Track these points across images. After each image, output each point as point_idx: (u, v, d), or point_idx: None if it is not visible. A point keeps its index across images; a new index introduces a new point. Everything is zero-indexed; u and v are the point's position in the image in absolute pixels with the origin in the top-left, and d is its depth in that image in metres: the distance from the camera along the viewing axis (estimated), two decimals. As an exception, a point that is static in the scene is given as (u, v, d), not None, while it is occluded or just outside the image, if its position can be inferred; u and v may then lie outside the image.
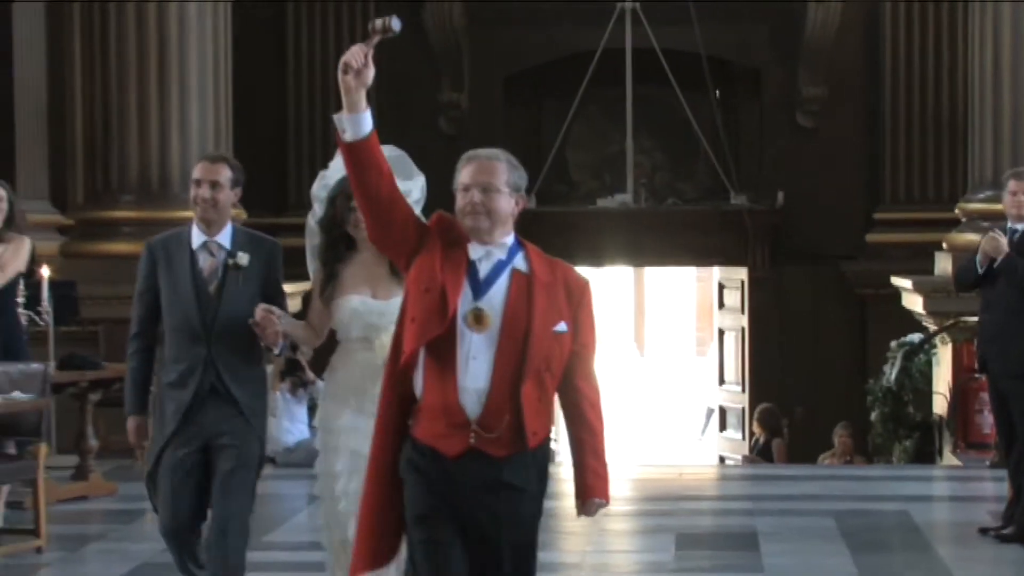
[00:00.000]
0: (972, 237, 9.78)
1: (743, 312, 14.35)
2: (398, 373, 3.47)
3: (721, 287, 14.99)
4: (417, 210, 4.29)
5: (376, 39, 3.38)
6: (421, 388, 3.46)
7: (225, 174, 4.78)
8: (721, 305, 15.02)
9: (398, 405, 3.49)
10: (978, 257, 7.01)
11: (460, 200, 3.46)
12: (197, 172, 4.83)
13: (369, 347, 4.45)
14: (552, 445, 3.76)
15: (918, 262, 11.84)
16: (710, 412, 18.43)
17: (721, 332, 15.02)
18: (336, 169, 4.62)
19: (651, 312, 22.05)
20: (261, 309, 4.57)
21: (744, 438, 14.17)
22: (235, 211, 9.72)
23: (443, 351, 3.40)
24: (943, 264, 10.72)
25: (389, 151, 4.49)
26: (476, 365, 3.39)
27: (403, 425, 3.49)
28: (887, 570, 6.76)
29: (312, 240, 4.88)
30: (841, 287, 14.13)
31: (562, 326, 3.45)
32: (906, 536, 7.60)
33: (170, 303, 4.76)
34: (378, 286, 4.57)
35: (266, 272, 4.85)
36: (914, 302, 11.18)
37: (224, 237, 4.80)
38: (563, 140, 14.01)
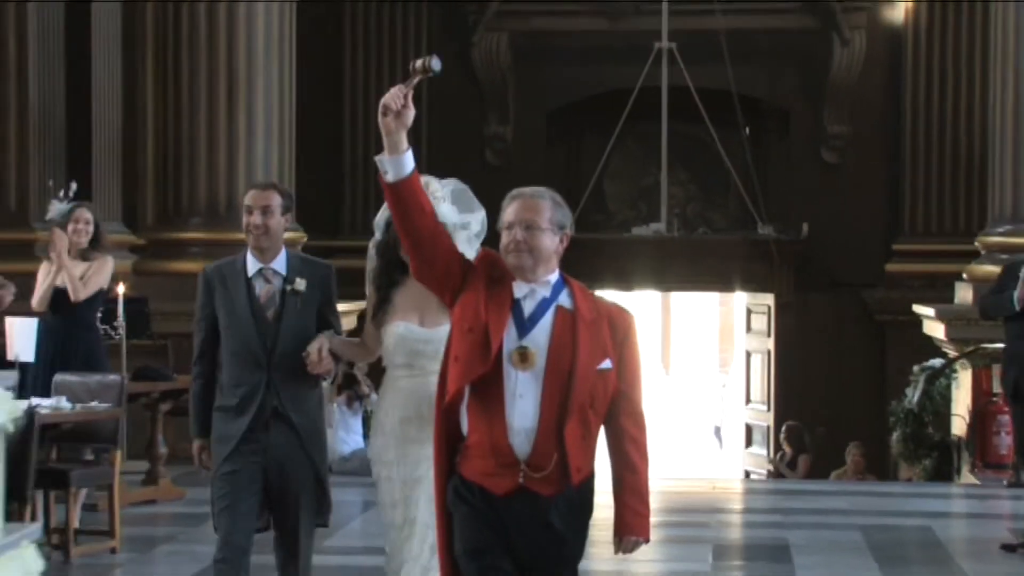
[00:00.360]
0: (991, 268, 9.96)
1: (769, 335, 14.39)
2: (444, 411, 3.35)
3: (749, 312, 15.02)
4: (477, 243, 4.32)
5: (416, 79, 3.28)
6: (467, 426, 3.34)
7: (275, 200, 4.60)
8: (748, 328, 15.06)
9: (447, 443, 3.37)
10: (1017, 292, 6.98)
11: (504, 238, 3.33)
12: (248, 199, 4.64)
13: (411, 374, 4.28)
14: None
15: (935, 291, 11.91)
16: (717, 430, 18.54)
17: (748, 354, 15.03)
18: None
19: (676, 334, 22.08)
20: (313, 349, 4.42)
21: (768, 454, 14.16)
22: (295, 234, 9.74)
23: (489, 390, 3.29)
24: (963, 293, 10.72)
25: (453, 184, 4.52)
26: (523, 404, 3.27)
27: (452, 463, 3.38)
28: (914, 582, 6.77)
29: (369, 264, 4.69)
30: (862, 313, 14.10)
31: (607, 363, 3.31)
32: (930, 551, 7.56)
33: (229, 329, 4.60)
34: (426, 314, 4.35)
35: (322, 296, 4.67)
36: (935, 329, 11.13)
37: (279, 263, 4.62)
38: (601, 172, 14.02)
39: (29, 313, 7.15)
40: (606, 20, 14.16)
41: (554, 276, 3.37)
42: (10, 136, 10.27)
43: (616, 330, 3.35)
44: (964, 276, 10.94)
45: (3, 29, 10.24)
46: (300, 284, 4.55)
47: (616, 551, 3.47)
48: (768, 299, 14.41)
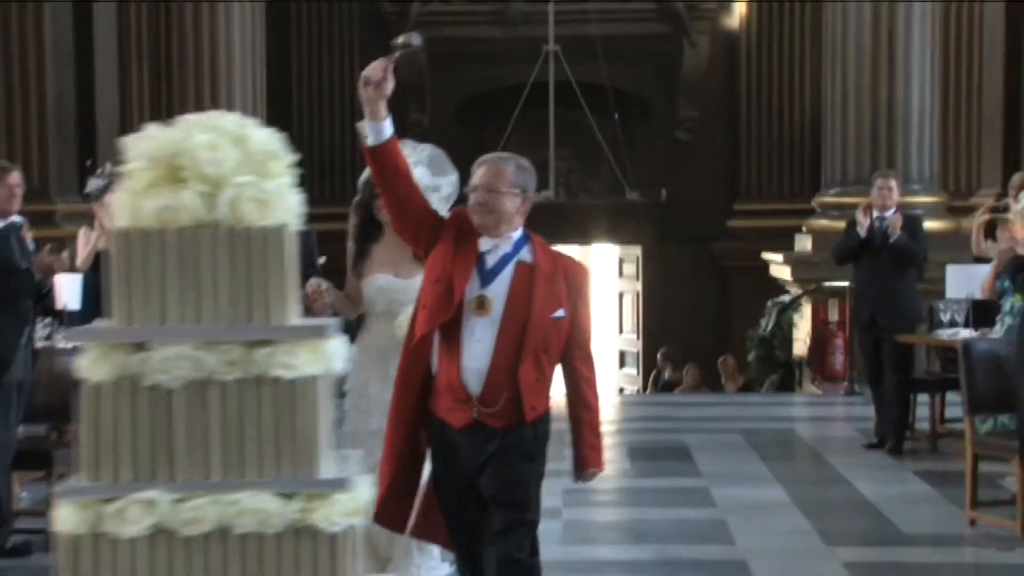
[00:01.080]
0: (826, 223, 10.45)
1: (637, 279, 14.79)
2: (410, 352, 3.25)
3: (621, 260, 15.34)
4: (448, 204, 4.12)
5: (398, 53, 3.13)
6: (436, 367, 3.24)
7: None
8: (620, 274, 15.37)
9: (411, 379, 3.25)
10: (859, 230, 7.06)
11: (471, 199, 3.25)
12: None
13: (390, 321, 4.00)
14: None
15: (769, 242, 12.10)
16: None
17: (621, 294, 15.31)
18: None
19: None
20: (312, 283, 4.07)
21: (638, 374, 14.57)
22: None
23: (452, 335, 3.18)
24: (803, 243, 11.09)
25: (429, 150, 4.36)
26: (478, 347, 3.16)
27: (417, 399, 3.25)
28: (794, 473, 6.80)
29: (351, 222, 4.43)
30: (711, 261, 14.53)
31: (560, 312, 3.20)
32: (800, 448, 7.92)
33: None
34: (401, 266, 4.12)
35: (305, 257, 3.98)
36: (782, 271, 11.39)
37: None
38: (502, 151, 14.23)
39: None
40: (502, 28, 14.42)
41: (517, 233, 3.26)
42: (32, 123, 10.39)
43: (571, 282, 3.25)
44: (804, 228, 11.21)
45: (24, 31, 10.31)
46: None
47: (575, 481, 3.39)
48: (636, 250, 14.79)
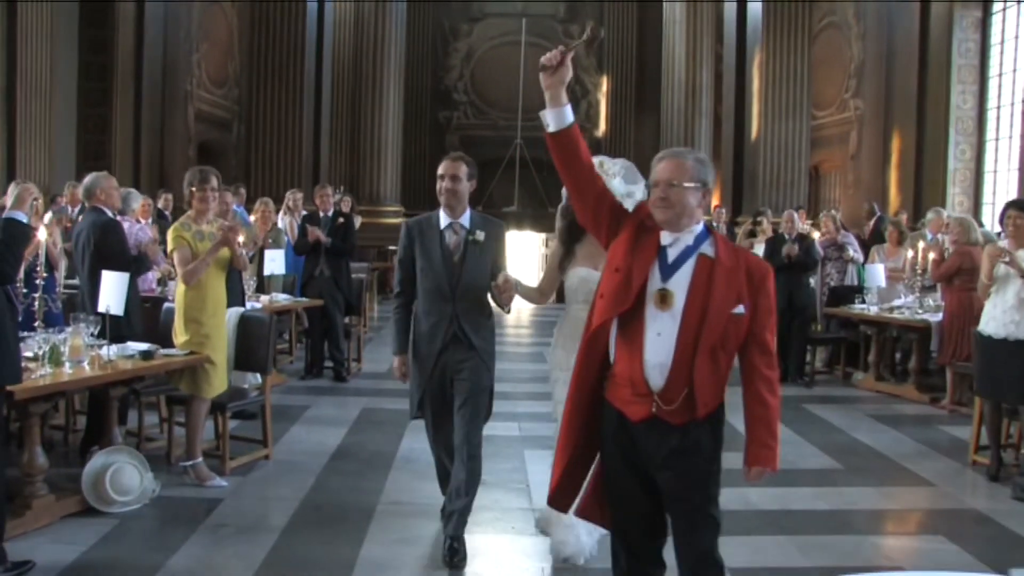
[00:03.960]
0: None
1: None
2: (588, 341, 3.18)
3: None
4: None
5: (578, 43, 3.22)
6: (614, 356, 3.16)
7: (463, 170, 4.79)
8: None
9: (588, 367, 3.20)
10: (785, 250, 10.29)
11: (652, 194, 3.18)
12: (441, 169, 4.81)
13: (588, 309, 3.56)
14: None
15: None
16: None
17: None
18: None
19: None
20: (503, 278, 4.60)
21: None
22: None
23: (631, 327, 3.09)
24: None
25: (622, 162, 4.77)
26: (661, 341, 3.06)
27: (593, 388, 3.21)
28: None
29: (558, 224, 4.90)
30: None
31: (740, 308, 3.08)
32: None
33: (424, 270, 4.80)
34: (599, 261, 4.37)
35: (495, 245, 4.85)
36: None
37: (465, 219, 4.81)
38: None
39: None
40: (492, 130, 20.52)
41: (699, 227, 3.17)
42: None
43: (752, 278, 3.12)
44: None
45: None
46: (480, 235, 4.77)
47: (747, 478, 3.17)
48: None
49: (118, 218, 6.92)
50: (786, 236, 10.36)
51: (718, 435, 3.17)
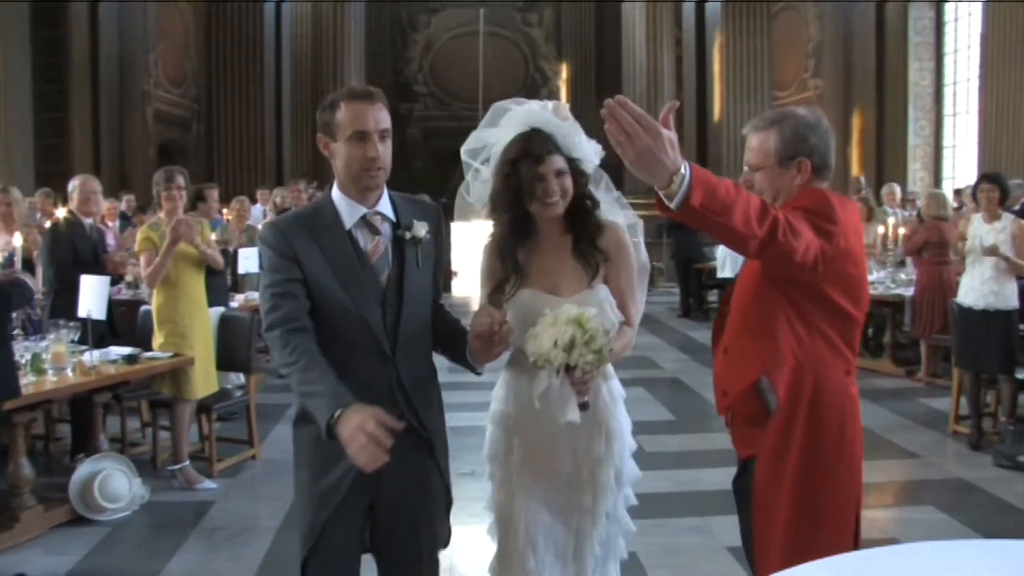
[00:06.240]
0: None
1: None
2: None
3: None
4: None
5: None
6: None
7: (388, 117, 2.56)
8: None
9: None
10: None
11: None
12: (354, 123, 2.51)
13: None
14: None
15: None
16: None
17: None
18: None
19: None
20: (487, 314, 2.53)
21: None
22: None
23: None
24: None
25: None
26: None
27: None
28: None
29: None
30: None
31: None
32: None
33: (326, 306, 2.51)
34: (559, 279, 2.86)
35: (439, 246, 2.76)
36: None
37: (385, 206, 2.64)
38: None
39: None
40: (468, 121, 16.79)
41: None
42: None
43: None
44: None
45: None
46: (420, 230, 2.64)
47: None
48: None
49: (87, 221, 6.84)
50: None
51: None
